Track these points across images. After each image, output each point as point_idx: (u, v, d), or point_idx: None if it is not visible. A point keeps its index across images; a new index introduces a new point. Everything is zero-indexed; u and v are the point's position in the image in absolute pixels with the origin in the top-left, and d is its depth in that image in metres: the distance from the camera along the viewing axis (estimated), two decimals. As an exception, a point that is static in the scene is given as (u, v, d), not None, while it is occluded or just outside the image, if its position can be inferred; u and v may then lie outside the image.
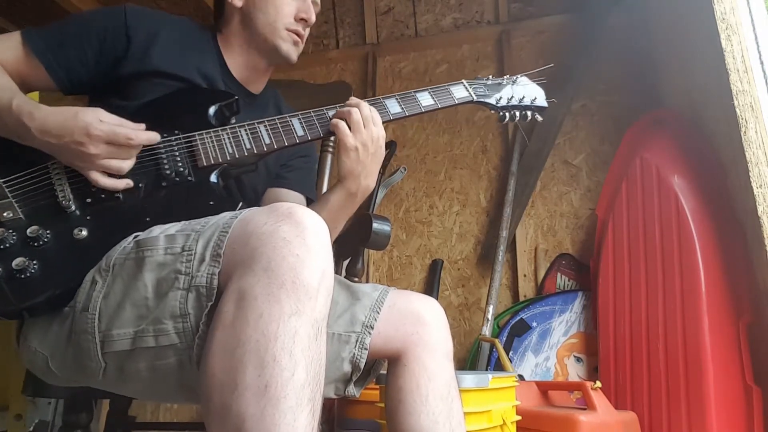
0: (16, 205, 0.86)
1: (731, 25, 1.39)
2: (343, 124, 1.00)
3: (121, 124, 0.87)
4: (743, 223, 1.48)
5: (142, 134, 0.88)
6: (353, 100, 1.04)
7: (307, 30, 1.15)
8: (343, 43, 2.77)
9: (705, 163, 1.66)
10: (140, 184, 0.91)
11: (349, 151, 1.00)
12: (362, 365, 0.92)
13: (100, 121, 0.84)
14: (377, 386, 1.12)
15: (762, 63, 1.37)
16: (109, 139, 0.84)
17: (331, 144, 1.74)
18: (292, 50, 1.13)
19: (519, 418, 1.24)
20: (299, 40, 1.14)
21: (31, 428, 1.85)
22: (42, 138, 0.84)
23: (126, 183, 0.89)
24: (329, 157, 1.72)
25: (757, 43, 1.39)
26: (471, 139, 2.45)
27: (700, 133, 1.70)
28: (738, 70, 1.36)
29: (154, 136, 0.91)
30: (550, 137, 2.26)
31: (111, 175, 0.87)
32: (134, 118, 0.90)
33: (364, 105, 1.02)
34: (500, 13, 2.53)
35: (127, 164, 0.88)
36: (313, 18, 1.14)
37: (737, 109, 1.34)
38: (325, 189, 1.69)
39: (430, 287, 2.30)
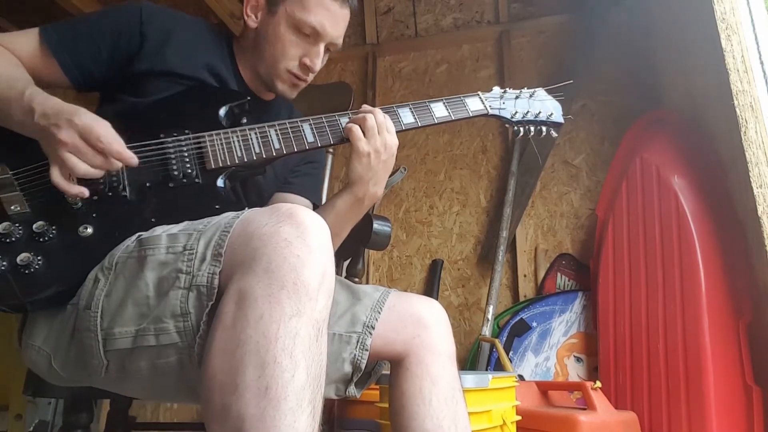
0: (24, 198, 0.86)
1: (731, 25, 1.39)
2: (357, 129, 0.99)
3: (106, 130, 0.82)
4: (743, 223, 1.48)
5: (116, 145, 0.82)
6: (367, 107, 1.03)
7: (311, 75, 1.12)
8: (343, 43, 2.76)
9: (705, 163, 1.66)
10: (147, 183, 0.91)
11: (361, 157, 0.99)
12: (363, 366, 0.91)
13: (91, 119, 0.81)
14: (377, 386, 1.12)
15: (762, 63, 1.37)
16: (83, 134, 0.80)
17: (332, 144, 1.74)
18: (288, 91, 1.12)
19: (519, 418, 1.24)
20: (299, 83, 1.11)
21: (31, 428, 1.85)
22: (38, 120, 0.82)
23: (79, 190, 0.83)
24: (329, 158, 1.72)
25: (757, 43, 1.38)
26: (471, 139, 2.45)
27: (700, 133, 1.70)
28: (738, 70, 1.36)
29: (127, 155, 0.84)
30: (550, 137, 2.25)
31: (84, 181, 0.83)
32: (146, 114, 0.90)
33: (379, 112, 1.01)
34: (500, 13, 2.53)
35: (84, 168, 0.81)
36: (318, 67, 1.11)
37: (737, 109, 1.34)
38: (325, 190, 1.70)
39: (430, 287, 2.30)
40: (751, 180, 1.30)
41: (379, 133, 0.99)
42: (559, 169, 2.29)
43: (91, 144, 0.81)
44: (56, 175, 0.82)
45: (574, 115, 2.29)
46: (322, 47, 1.10)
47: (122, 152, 0.83)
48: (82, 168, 0.81)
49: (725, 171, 1.55)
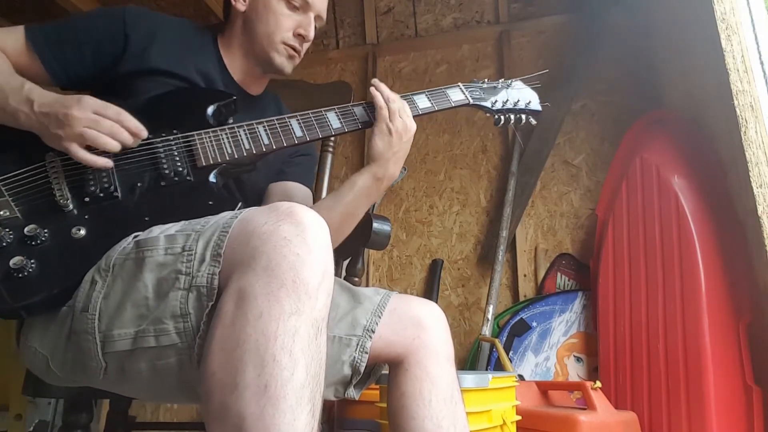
0: (12, 203, 0.85)
1: (731, 25, 1.39)
2: (385, 108, 1.04)
3: (118, 108, 0.88)
4: (743, 223, 1.48)
5: (132, 119, 0.88)
6: (385, 92, 1.08)
7: (306, 45, 1.15)
8: (343, 43, 2.77)
9: (705, 163, 1.66)
10: (138, 183, 0.91)
11: (384, 135, 1.04)
12: (362, 369, 0.92)
13: (100, 100, 0.86)
14: (377, 386, 1.12)
15: (762, 63, 1.37)
16: (98, 109, 0.85)
17: (331, 144, 1.74)
18: (286, 63, 1.14)
19: (519, 418, 1.24)
20: (295, 54, 1.14)
21: (31, 428, 1.85)
22: (39, 110, 0.85)
23: (105, 162, 0.87)
24: (329, 157, 1.72)
25: (757, 43, 1.38)
26: (471, 139, 2.45)
27: (700, 133, 1.70)
28: (738, 70, 1.36)
29: (141, 127, 0.90)
30: (550, 137, 2.26)
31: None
32: (133, 116, 0.90)
33: (396, 99, 1.07)
34: (500, 13, 2.53)
35: (105, 140, 0.86)
36: (312, 35, 1.14)
37: (737, 109, 1.34)
38: (325, 189, 1.69)
39: (430, 287, 2.30)
40: (751, 180, 1.30)
41: (401, 116, 1.05)
42: (559, 169, 2.29)
43: (108, 116, 0.86)
44: (77, 150, 0.85)
45: (574, 115, 2.30)
46: (312, 16, 1.14)
47: (138, 124, 0.89)
48: (103, 140, 0.86)
49: (725, 171, 1.55)
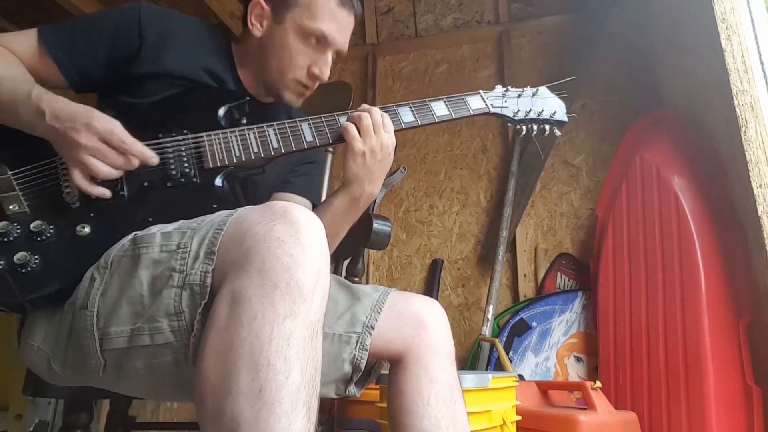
0: (22, 198, 0.86)
1: (731, 25, 1.39)
2: (352, 128, 0.98)
3: (124, 132, 0.85)
4: (743, 223, 1.48)
5: (137, 146, 0.86)
6: (365, 106, 1.01)
7: (318, 83, 1.10)
8: (343, 44, 2.77)
9: (705, 163, 1.66)
10: (145, 183, 0.91)
11: (356, 156, 0.98)
12: (363, 366, 0.91)
13: (108, 121, 0.84)
14: (377, 386, 1.11)
15: (762, 63, 1.37)
16: (104, 136, 0.83)
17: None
18: (294, 100, 1.11)
19: (519, 418, 1.24)
20: (305, 92, 1.11)
21: (31, 428, 1.85)
22: (51, 123, 0.83)
23: (101, 192, 0.86)
24: (329, 157, 1.72)
25: (757, 43, 1.39)
26: (471, 139, 2.45)
27: (700, 133, 1.70)
28: (738, 70, 1.36)
29: (149, 155, 0.87)
30: (551, 136, 2.26)
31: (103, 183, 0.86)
32: (144, 115, 0.90)
33: (376, 111, 1.00)
34: (500, 13, 2.53)
35: (107, 170, 0.84)
36: (326, 75, 1.09)
37: (737, 109, 1.34)
38: (325, 189, 1.69)
39: (430, 287, 2.30)
40: (751, 180, 1.30)
41: (375, 132, 0.98)
42: (559, 169, 2.29)
43: (113, 146, 0.84)
44: (78, 178, 0.84)
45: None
46: (329, 55, 1.08)
47: (144, 151, 0.87)
48: (105, 170, 0.84)
49: (725, 171, 1.55)
